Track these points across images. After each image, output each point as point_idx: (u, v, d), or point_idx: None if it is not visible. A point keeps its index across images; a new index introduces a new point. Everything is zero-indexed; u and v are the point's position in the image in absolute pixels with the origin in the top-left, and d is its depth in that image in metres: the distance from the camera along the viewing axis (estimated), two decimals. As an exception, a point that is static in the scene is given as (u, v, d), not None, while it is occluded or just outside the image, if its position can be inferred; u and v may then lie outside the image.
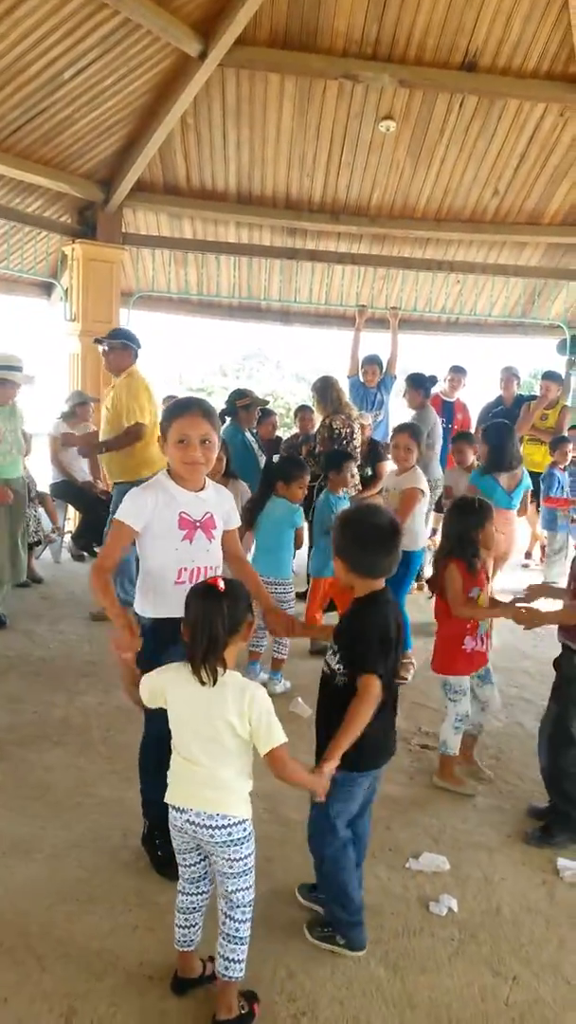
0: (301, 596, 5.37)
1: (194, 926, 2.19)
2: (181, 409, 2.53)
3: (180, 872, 2.19)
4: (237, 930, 2.09)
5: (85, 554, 7.17)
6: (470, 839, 3.08)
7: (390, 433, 6.53)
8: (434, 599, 3.51)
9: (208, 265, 8.95)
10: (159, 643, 2.43)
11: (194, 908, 2.19)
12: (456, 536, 3.41)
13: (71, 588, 6.25)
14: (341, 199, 8.12)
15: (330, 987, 2.27)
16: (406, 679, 4.61)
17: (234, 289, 9.18)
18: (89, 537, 7.18)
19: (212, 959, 2.21)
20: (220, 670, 2.00)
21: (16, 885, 2.64)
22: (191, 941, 2.19)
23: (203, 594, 2.04)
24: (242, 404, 5.81)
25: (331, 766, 2.16)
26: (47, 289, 8.77)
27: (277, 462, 4.83)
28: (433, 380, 6.85)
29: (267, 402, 7.11)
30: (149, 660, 2.31)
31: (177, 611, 2.51)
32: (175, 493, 2.54)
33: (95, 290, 7.82)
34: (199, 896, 2.19)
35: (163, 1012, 2.14)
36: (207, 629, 1.99)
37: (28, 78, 5.92)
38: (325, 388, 6.03)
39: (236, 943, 2.09)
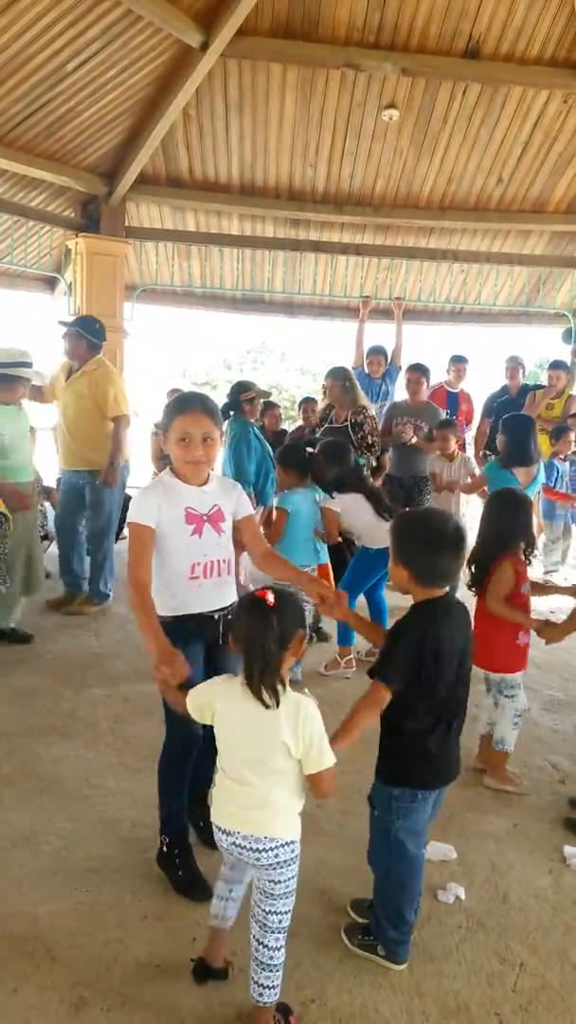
0: None
1: (235, 900, 2.14)
2: (182, 406, 2.47)
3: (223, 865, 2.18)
4: (271, 958, 2.01)
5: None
6: (477, 828, 3.08)
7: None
8: (478, 596, 3.37)
9: (212, 258, 8.94)
10: (179, 641, 2.35)
11: (238, 880, 2.14)
12: (506, 531, 3.30)
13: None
14: (344, 189, 8.10)
15: (338, 976, 2.29)
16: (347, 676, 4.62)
17: (238, 281, 9.17)
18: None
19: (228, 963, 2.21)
20: (281, 689, 1.90)
21: (25, 876, 2.66)
22: (228, 917, 2.14)
23: (251, 608, 1.92)
24: (246, 397, 5.72)
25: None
26: (51, 284, 8.78)
27: (298, 456, 4.58)
28: None
29: (270, 394, 7.04)
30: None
31: (194, 607, 2.53)
32: (179, 489, 2.49)
33: (99, 284, 7.82)
34: (245, 871, 2.13)
35: (171, 1001, 2.15)
36: (260, 648, 1.88)
37: (31, 71, 5.93)
38: (351, 380, 5.95)
39: (271, 970, 2.01)
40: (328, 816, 3.07)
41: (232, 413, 5.49)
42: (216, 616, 2.56)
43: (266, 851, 1.96)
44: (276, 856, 1.97)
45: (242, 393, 5.67)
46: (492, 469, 5.03)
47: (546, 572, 6.91)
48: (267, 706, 1.89)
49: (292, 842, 1.99)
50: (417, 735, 2.22)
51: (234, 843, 1.99)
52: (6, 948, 2.33)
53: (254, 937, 2.04)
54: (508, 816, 3.18)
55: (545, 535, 7.20)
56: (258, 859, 1.97)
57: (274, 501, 4.95)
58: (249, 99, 7.19)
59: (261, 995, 2.02)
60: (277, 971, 2.03)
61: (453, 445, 5.91)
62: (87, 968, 2.26)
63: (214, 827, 2.05)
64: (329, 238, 8.73)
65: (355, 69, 6.84)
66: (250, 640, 1.90)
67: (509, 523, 3.33)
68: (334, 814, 3.06)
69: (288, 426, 8.10)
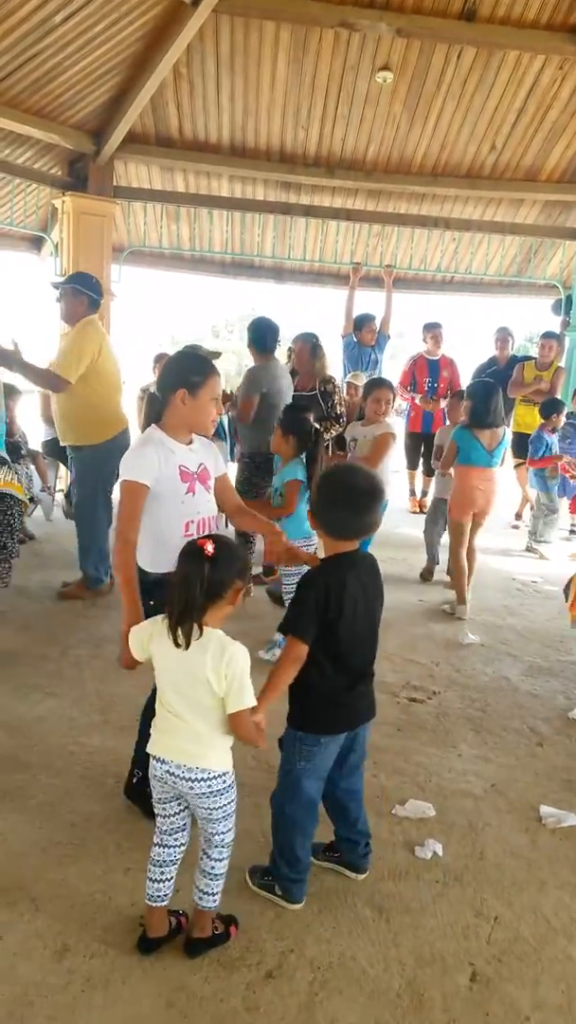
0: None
1: (167, 880, 2.18)
2: (212, 368, 2.61)
3: (158, 823, 2.20)
4: (213, 868, 2.16)
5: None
6: (455, 787, 3.14)
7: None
8: None
9: (200, 220, 8.83)
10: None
11: (170, 861, 2.19)
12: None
13: (63, 545, 6.26)
14: (336, 152, 7.98)
15: (316, 927, 2.34)
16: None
17: (227, 245, 9.06)
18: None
19: (180, 913, 2.25)
20: (196, 633, 2.00)
21: (10, 830, 2.69)
22: (163, 896, 2.18)
23: (188, 555, 2.02)
24: None
25: (257, 718, 2.10)
26: (37, 243, 8.65)
27: (299, 423, 4.23)
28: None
29: (219, 354, 6.84)
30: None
31: None
32: (172, 447, 2.54)
33: (86, 244, 7.70)
34: (176, 848, 2.20)
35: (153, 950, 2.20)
36: (183, 592, 1.99)
37: (17, 21, 5.75)
38: (320, 346, 5.90)
39: (213, 879, 2.16)
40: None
41: None
42: None
43: (198, 781, 2.07)
44: (209, 787, 2.08)
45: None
46: (457, 433, 5.23)
47: (538, 543, 6.92)
48: (178, 644, 2.01)
49: (224, 774, 2.11)
50: (321, 685, 2.28)
51: (168, 771, 2.09)
52: (-9, 898, 2.36)
53: (202, 849, 2.18)
54: (487, 777, 3.24)
55: (537, 506, 7.09)
56: (191, 788, 2.08)
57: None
58: (241, 58, 7.04)
59: (201, 899, 2.17)
60: (218, 880, 2.17)
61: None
62: (71, 918, 2.30)
63: (151, 757, 2.14)
64: (320, 202, 8.61)
65: (349, 29, 6.70)
66: (179, 583, 2.01)
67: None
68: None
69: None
